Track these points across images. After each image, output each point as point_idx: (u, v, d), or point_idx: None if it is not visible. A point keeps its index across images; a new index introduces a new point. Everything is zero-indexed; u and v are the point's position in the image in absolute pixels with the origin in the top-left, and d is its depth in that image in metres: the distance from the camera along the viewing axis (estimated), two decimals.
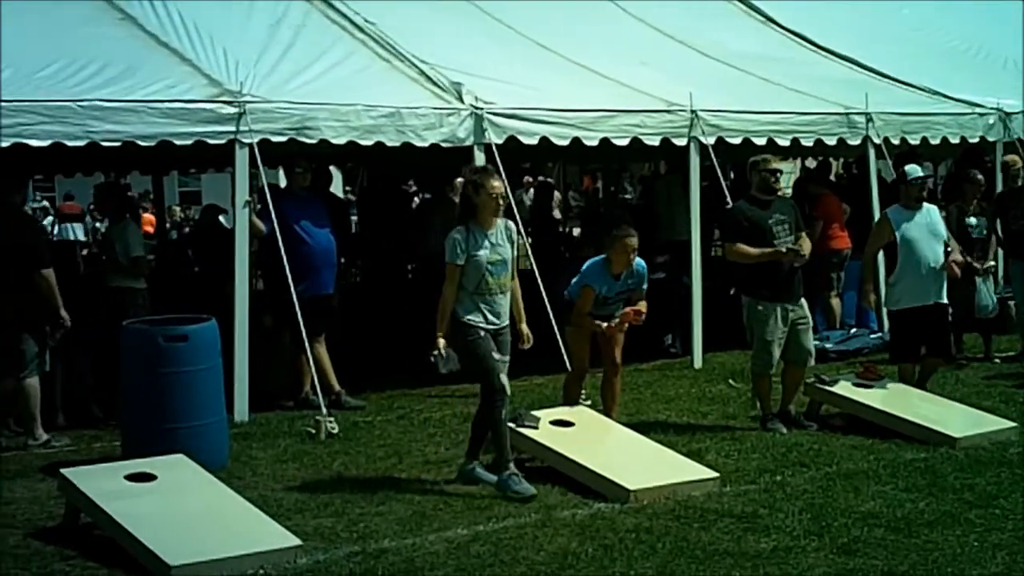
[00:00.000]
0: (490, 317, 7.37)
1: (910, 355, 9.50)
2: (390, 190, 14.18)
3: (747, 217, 8.94)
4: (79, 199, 23.40)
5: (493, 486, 7.38)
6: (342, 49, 10.64)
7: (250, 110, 9.25)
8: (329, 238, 10.11)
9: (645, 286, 8.69)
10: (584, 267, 8.69)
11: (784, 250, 8.77)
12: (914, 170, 9.57)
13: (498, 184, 7.50)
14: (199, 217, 14.32)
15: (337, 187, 15.72)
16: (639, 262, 8.64)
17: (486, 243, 7.36)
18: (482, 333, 7.34)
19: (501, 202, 7.47)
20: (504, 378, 7.38)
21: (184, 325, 8.11)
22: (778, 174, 9.30)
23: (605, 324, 8.49)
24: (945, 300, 9.48)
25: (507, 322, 7.51)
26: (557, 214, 19.45)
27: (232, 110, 9.21)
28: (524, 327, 7.68)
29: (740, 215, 9.02)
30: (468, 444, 7.68)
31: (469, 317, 7.37)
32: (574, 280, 8.66)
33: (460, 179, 13.58)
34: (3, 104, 8.44)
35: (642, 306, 8.58)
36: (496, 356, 7.36)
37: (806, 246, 8.98)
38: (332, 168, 15.56)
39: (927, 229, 9.38)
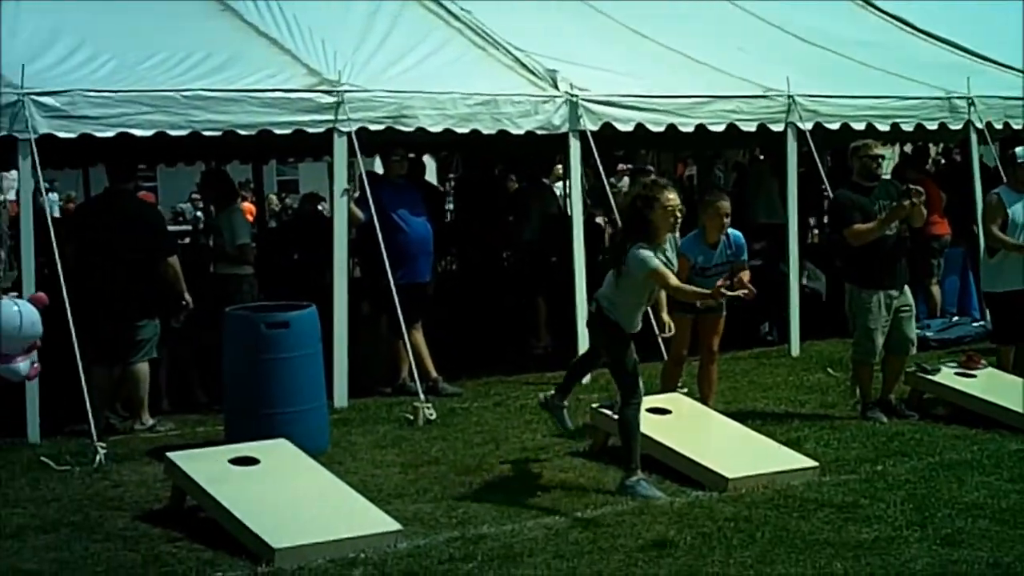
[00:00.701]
0: (638, 325, 7.31)
1: (1013, 338, 9.33)
2: (486, 178, 14.24)
3: (852, 203, 8.80)
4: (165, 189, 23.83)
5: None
6: (438, 38, 10.72)
7: (348, 99, 9.36)
8: (426, 226, 10.20)
9: (745, 258, 8.59)
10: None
11: (906, 203, 8.47)
12: None
13: (674, 196, 7.03)
14: (298, 205, 14.51)
15: (431, 176, 15.81)
16: (735, 233, 8.56)
17: (662, 259, 7.09)
18: (631, 341, 7.28)
19: (679, 215, 7.09)
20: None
21: (285, 312, 8.23)
22: (880, 160, 9.13)
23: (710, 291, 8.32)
24: None
25: None
26: None
27: (331, 99, 9.32)
28: (666, 315, 7.76)
29: (848, 200, 8.87)
30: (563, 381, 7.67)
31: (627, 326, 7.18)
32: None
33: (559, 167, 13.71)
34: (109, 94, 8.65)
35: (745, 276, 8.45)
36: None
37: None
38: (426, 157, 15.71)
39: None
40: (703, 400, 8.67)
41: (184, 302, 9.05)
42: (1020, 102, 12.47)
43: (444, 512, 6.80)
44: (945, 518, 6.52)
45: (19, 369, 8.37)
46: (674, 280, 7.07)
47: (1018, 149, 9.50)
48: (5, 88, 8.40)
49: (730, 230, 8.57)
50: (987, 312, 10.97)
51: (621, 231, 7.49)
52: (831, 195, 9.89)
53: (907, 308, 8.86)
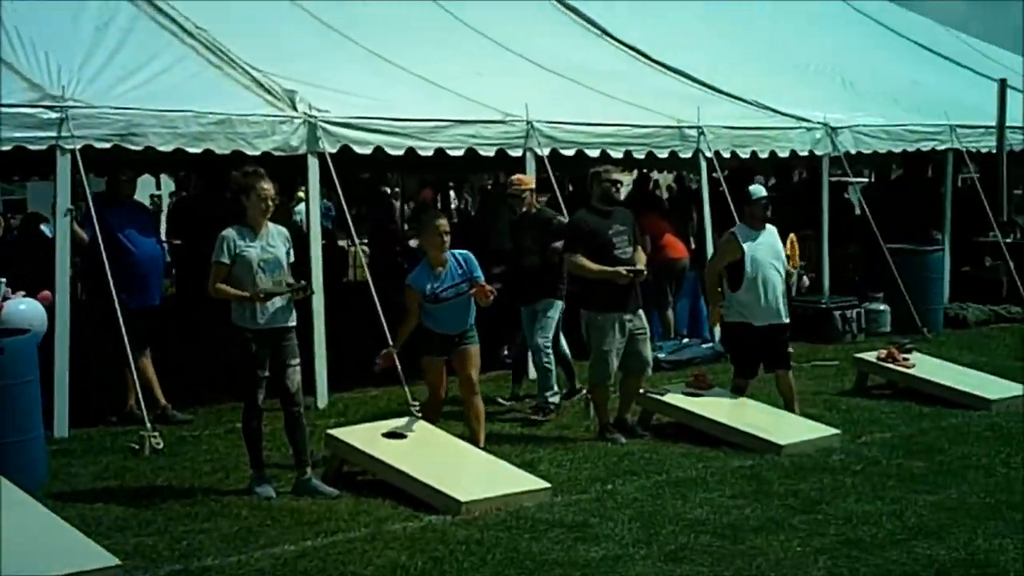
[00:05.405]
0: (260, 321, 7.40)
1: (753, 370, 9.58)
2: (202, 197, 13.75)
3: (588, 227, 9.00)
4: None
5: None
6: (171, 55, 10.41)
7: (72, 115, 8.99)
8: (156, 247, 9.92)
9: (479, 275, 8.37)
10: None
11: (624, 272, 8.83)
12: (758, 190, 9.59)
13: (269, 187, 7.51)
14: (19, 225, 13.83)
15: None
16: (463, 253, 8.43)
17: (258, 247, 7.44)
18: (253, 346, 7.39)
19: (271, 203, 7.50)
20: (261, 396, 7.52)
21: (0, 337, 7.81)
22: (619, 184, 9.36)
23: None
24: (787, 319, 9.57)
25: (291, 323, 7.53)
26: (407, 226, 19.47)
27: (53, 115, 8.96)
28: None
29: (582, 225, 9.07)
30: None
31: (246, 322, 7.42)
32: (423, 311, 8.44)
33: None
34: None
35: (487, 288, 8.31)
36: (262, 374, 7.43)
37: (642, 259, 9.11)
38: (164, 176, 15.23)
39: (770, 249, 9.40)
40: (474, 436, 8.41)
41: None
42: (747, 131, 13.01)
43: (167, 545, 6.57)
44: (670, 535, 6.70)
45: None
46: (218, 284, 7.41)
47: (752, 187, 9.75)
48: None
49: (457, 251, 8.42)
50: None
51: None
52: (566, 219, 10.02)
53: (642, 330, 9.08)
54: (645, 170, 16.32)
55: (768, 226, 9.51)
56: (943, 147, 14.74)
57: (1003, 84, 14.85)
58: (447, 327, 8.32)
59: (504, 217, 11.97)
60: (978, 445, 8.73)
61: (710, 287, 9.84)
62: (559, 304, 9.89)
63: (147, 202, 16.03)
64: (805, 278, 9.71)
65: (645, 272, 9.10)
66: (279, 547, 6.51)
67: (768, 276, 9.31)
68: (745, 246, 9.31)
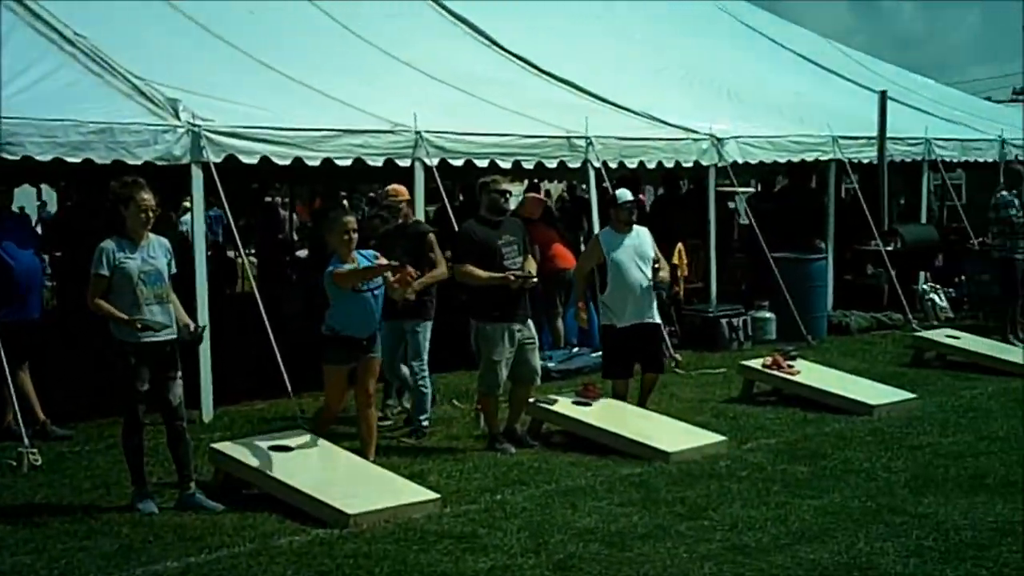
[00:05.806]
0: (138, 337, 7.25)
1: (623, 371, 9.71)
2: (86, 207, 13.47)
3: (477, 237, 8.99)
4: None
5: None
6: (50, 62, 10.16)
7: None
8: (34, 259, 9.65)
9: (395, 262, 8.30)
10: None
11: (512, 277, 8.84)
12: (624, 194, 9.74)
13: (148, 197, 7.39)
14: None
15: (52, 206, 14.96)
16: (371, 252, 8.39)
17: (139, 258, 7.33)
18: (133, 360, 7.24)
19: (151, 214, 7.39)
20: (142, 411, 7.38)
21: None
22: (508, 195, 9.37)
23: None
24: (658, 319, 9.74)
25: (172, 336, 7.40)
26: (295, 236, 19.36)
27: None
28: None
29: (471, 235, 9.05)
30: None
31: (125, 337, 7.27)
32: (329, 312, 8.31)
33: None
34: None
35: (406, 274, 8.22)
36: (142, 388, 7.30)
37: (532, 268, 9.14)
38: (45, 186, 14.88)
39: (635, 251, 9.57)
40: (364, 448, 8.32)
41: None
42: (634, 142, 13.12)
43: (45, 564, 6.40)
44: (559, 544, 6.70)
45: None
46: (97, 299, 7.25)
47: (618, 191, 9.91)
48: None
49: (363, 251, 8.34)
50: None
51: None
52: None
53: (531, 340, 9.09)
54: (536, 180, 16.36)
55: (637, 228, 9.71)
56: (826, 157, 15.06)
57: (883, 96, 15.26)
58: (356, 328, 8.20)
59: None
60: (860, 450, 8.89)
61: (576, 287, 10.15)
62: (430, 325, 9.57)
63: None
64: (663, 272, 9.83)
65: (535, 279, 9.13)
66: (161, 564, 6.38)
67: (632, 278, 9.48)
68: (606, 248, 9.53)
